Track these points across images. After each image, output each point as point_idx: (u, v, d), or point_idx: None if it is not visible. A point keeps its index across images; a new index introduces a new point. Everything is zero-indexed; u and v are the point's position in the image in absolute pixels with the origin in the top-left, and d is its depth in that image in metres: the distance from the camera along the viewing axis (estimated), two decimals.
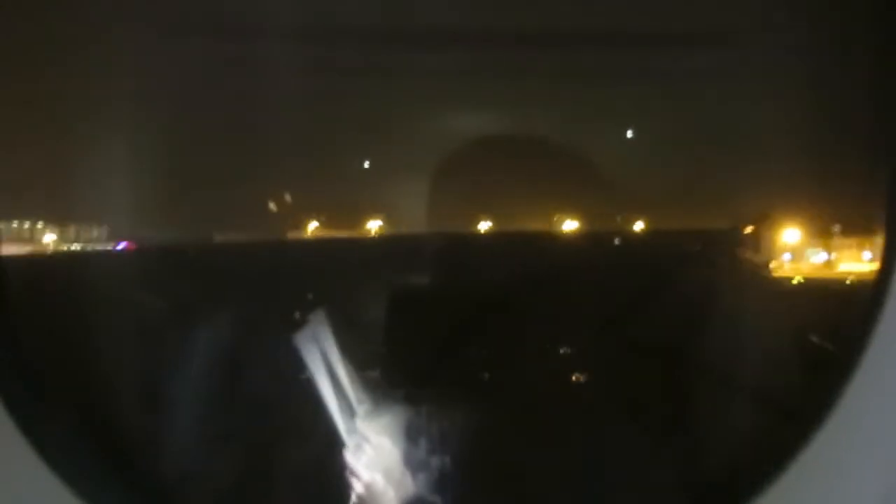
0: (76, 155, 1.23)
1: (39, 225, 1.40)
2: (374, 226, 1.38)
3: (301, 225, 1.39)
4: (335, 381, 1.06)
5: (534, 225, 1.27)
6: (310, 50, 1.23)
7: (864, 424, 0.80)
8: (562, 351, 1.13)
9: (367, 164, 1.35)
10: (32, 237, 1.40)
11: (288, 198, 1.34)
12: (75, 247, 1.43)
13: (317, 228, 1.39)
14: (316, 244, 1.37)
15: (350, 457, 1.05)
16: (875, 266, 0.85)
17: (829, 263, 1.39)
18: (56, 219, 1.41)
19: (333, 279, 1.24)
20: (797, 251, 1.39)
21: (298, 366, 1.08)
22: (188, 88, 1.23)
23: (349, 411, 1.06)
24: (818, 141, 1.17)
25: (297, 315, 1.13)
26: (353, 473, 1.04)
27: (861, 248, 1.28)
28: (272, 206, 1.33)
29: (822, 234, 1.39)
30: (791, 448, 0.83)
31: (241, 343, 1.15)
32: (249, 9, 1.18)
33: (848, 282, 1.32)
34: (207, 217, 1.36)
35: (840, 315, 0.97)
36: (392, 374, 1.12)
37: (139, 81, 1.17)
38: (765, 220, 1.31)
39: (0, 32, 1.03)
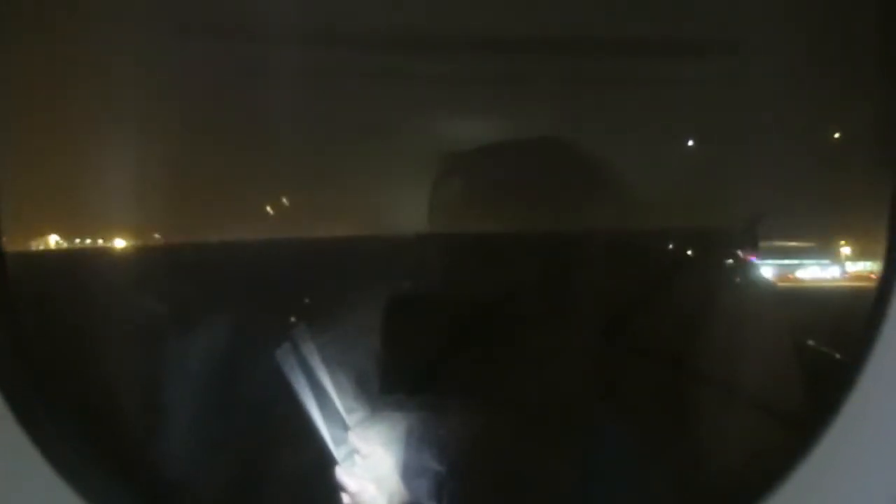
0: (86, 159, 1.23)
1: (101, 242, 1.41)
2: (373, 228, 1.37)
3: (301, 227, 1.39)
4: (320, 391, 1.05)
5: (535, 228, 1.26)
6: (314, 54, 1.23)
7: (868, 432, 0.80)
8: (561, 356, 1.13)
9: (370, 168, 1.35)
10: None
11: (285, 201, 1.34)
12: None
13: (316, 230, 1.38)
14: (315, 244, 1.35)
15: (342, 465, 1.04)
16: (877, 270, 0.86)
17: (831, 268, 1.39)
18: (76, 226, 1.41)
19: (331, 281, 1.24)
20: (799, 255, 1.39)
21: (286, 376, 1.07)
22: (195, 91, 1.24)
23: (339, 421, 1.05)
24: (822, 145, 1.17)
25: (293, 319, 1.12)
26: (345, 482, 1.03)
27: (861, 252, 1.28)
28: (271, 208, 1.33)
29: (824, 238, 1.39)
30: (793, 457, 0.82)
31: (240, 346, 1.14)
32: (255, 12, 1.18)
33: (850, 287, 1.32)
34: (210, 219, 1.36)
35: (842, 320, 0.97)
36: (387, 381, 1.11)
37: (147, 84, 1.18)
38: (765, 222, 1.31)
39: None
